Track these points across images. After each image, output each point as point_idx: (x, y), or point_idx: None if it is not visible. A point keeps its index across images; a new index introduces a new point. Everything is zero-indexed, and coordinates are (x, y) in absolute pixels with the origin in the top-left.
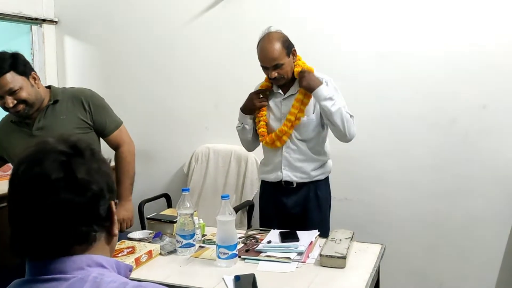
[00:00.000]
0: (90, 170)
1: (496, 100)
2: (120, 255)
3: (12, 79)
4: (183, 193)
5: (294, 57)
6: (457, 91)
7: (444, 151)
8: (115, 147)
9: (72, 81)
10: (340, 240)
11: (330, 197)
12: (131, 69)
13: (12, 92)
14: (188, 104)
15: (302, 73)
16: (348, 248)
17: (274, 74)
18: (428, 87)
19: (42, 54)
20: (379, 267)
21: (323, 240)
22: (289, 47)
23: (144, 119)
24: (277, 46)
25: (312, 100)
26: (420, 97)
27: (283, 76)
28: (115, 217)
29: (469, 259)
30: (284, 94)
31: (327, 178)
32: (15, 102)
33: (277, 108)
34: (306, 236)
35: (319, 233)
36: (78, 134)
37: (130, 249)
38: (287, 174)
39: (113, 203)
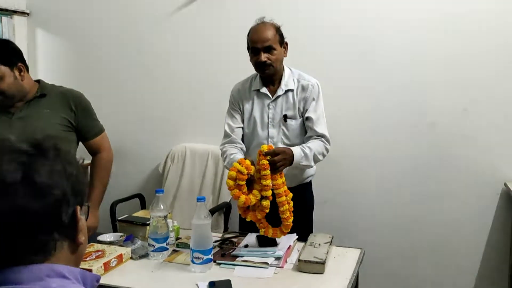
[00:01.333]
0: (52, 172)
1: (477, 104)
2: (88, 259)
3: None
4: (157, 194)
5: (285, 51)
6: (437, 94)
7: (423, 154)
8: (94, 152)
9: (43, 75)
10: (319, 244)
11: (314, 200)
12: (106, 63)
13: None
14: (166, 102)
15: (274, 166)
16: (327, 253)
17: (264, 57)
18: (408, 91)
19: None
20: (358, 272)
21: (301, 244)
22: (282, 37)
23: (119, 115)
24: (271, 30)
25: (297, 103)
26: (400, 100)
27: (272, 64)
28: (80, 224)
29: (448, 263)
30: (272, 96)
31: (310, 182)
32: None
33: (264, 113)
34: (285, 240)
35: (297, 237)
36: (58, 130)
37: (99, 253)
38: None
39: (78, 208)
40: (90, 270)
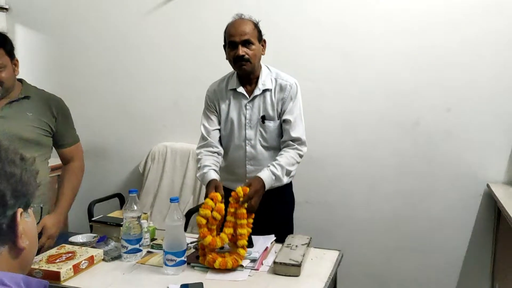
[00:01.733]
0: None
1: (461, 104)
2: (57, 260)
3: (1, 54)
4: (130, 194)
5: (264, 49)
6: (421, 92)
7: (406, 153)
8: (67, 160)
9: (23, 71)
10: (296, 246)
11: (294, 200)
12: (86, 60)
13: None
14: (146, 100)
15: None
16: (304, 255)
17: (242, 51)
18: (392, 88)
19: None
20: (336, 273)
21: (279, 245)
22: (260, 33)
23: (99, 114)
24: (250, 24)
25: (275, 104)
26: (383, 97)
27: (249, 59)
28: (21, 228)
29: (430, 262)
30: (249, 96)
31: (291, 182)
32: None
33: (241, 114)
34: (261, 242)
35: (275, 238)
36: (38, 134)
37: (70, 255)
38: None
39: (20, 211)
40: (58, 273)
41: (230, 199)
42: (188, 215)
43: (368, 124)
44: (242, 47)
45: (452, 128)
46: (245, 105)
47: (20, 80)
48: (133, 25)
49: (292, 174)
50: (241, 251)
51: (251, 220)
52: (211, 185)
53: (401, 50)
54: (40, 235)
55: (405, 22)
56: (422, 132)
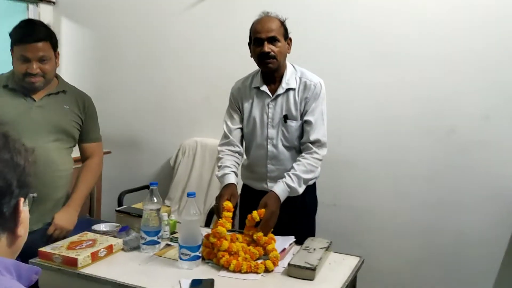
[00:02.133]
0: None
1: (500, 112)
2: (77, 247)
3: (47, 47)
4: (151, 187)
5: (289, 47)
6: (457, 99)
7: (439, 162)
8: (87, 156)
9: (66, 64)
10: (314, 249)
11: (317, 203)
12: (124, 55)
13: (42, 60)
14: (179, 95)
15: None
16: (320, 259)
17: (268, 48)
18: (427, 93)
19: None
20: (355, 281)
21: (298, 247)
22: (286, 31)
23: (134, 107)
24: (276, 21)
25: (298, 103)
26: (418, 102)
27: (275, 56)
28: (22, 216)
29: (458, 278)
30: (272, 95)
31: (314, 184)
32: (39, 71)
33: (263, 112)
34: (280, 242)
35: (295, 240)
36: (72, 127)
37: (90, 242)
38: (272, 187)
39: (22, 200)
40: (76, 260)
41: (246, 221)
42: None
43: (399, 130)
44: (268, 44)
45: (489, 138)
46: (268, 104)
47: (55, 75)
48: (168, 22)
49: (315, 175)
50: (273, 254)
51: (271, 235)
52: (227, 191)
53: (436, 54)
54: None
55: (440, 25)
56: (457, 141)
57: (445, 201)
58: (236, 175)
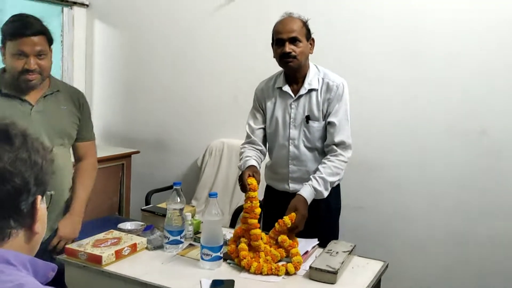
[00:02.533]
0: (15, 160)
1: None
2: (102, 245)
3: (44, 41)
4: (175, 187)
5: (312, 47)
6: (490, 99)
7: (470, 164)
8: (80, 157)
9: (99, 65)
10: (337, 253)
11: (340, 205)
12: (155, 56)
13: (39, 55)
14: (208, 96)
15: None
16: (343, 262)
17: (289, 48)
18: (458, 93)
19: (71, 36)
20: (379, 285)
21: (321, 250)
22: (309, 31)
23: (163, 107)
24: (298, 22)
25: (320, 104)
26: (448, 102)
27: (296, 56)
28: (39, 214)
29: (492, 287)
30: (295, 95)
31: (338, 186)
32: (36, 67)
33: (286, 112)
34: (303, 245)
35: (318, 242)
36: (73, 129)
37: (115, 240)
38: (294, 187)
39: (39, 198)
40: (100, 257)
41: (277, 226)
42: (239, 211)
43: (428, 131)
44: (289, 44)
45: None
46: (290, 104)
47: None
48: (197, 23)
49: (340, 177)
50: (296, 258)
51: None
52: (248, 169)
53: (467, 52)
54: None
55: (471, 22)
56: (489, 142)
57: (477, 206)
58: (258, 165)
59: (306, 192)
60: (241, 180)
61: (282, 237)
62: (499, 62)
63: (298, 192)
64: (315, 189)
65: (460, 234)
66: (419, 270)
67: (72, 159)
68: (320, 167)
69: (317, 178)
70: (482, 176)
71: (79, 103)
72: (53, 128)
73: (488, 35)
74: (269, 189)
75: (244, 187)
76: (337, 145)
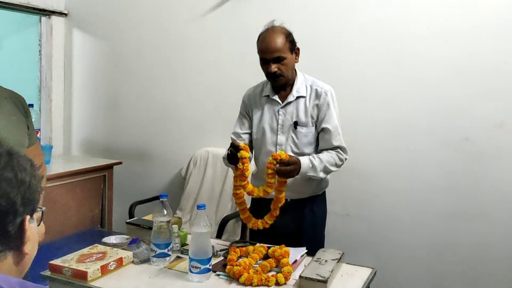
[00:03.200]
0: (0, 181)
1: None
2: (87, 260)
3: None
4: (161, 199)
5: (297, 57)
6: (472, 106)
7: (455, 172)
8: None
9: (78, 75)
10: (326, 261)
11: (326, 212)
12: (136, 66)
13: None
14: (191, 105)
15: (281, 173)
16: (332, 270)
17: (274, 68)
18: (440, 100)
19: (49, 46)
20: None
21: (310, 259)
22: (292, 43)
23: (146, 117)
24: (281, 38)
25: (309, 109)
26: (431, 110)
27: (282, 74)
28: (28, 234)
29: None
30: (282, 102)
31: (324, 193)
32: None
33: (274, 118)
34: (292, 253)
35: (306, 251)
36: (26, 139)
37: (100, 255)
38: None
39: (27, 218)
40: (86, 273)
41: (269, 158)
42: (225, 221)
43: (412, 138)
44: (273, 64)
45: (504, 145)
46: (278, 111)
47: None
48: (180, 33)
49: (325, 183)
50: (286, 269)
51: (283, 190)
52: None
53: (449, 60)
54: None
55: (454, 31)
56: (471, 148)
57: (462, 212)
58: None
59: (303, 158)
60: (231, 145)
61: (273, 248)
62: (481, 69)
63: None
64: (311, 161)
65: (446, 239)
66: (407, 277)
67: None
68: (322, 153)
69: (315, 156)
70: (466, 181)
71: (24, 109)
72: (15, 143)
73: (470, 42)
74: (255, 200)
75: (235, 147)
76: (335, 148)
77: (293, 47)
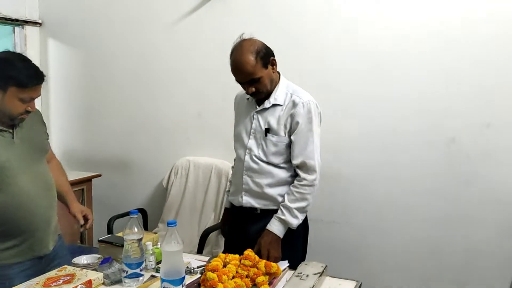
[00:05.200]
0: None
1: (501, 119)
2: (53, 284)
3: None
4: (131, 216)
5: (274, 67)
6: (456, 106)
7: (441, 174)
8: (47, 161)
9: (55, 85)
10: (307, 276)
11: (307, 224)
12: (114, 75)
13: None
14: (171, 112)
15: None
16: (314, 286)
17: (251, 89)
18: (425, 104)
19: None
20: None
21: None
22: (265, 57)
23: (124, 128)
24: (251, 58)
25: (282, 118)
26: (416, 114)
27: (261, 90)
28: None
29: None
30: (258, 106)
31: None
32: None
33: (249, 122)
34: None
35: (288, 264)
36: (46, 143)
37: (68, 278)
38: (247, 201)
39: None
40: None
41: (246, 262)
42: (207, 233)
43: (398, 143)
44: (249, 86)
45: (491, 147)
46: (253, 115)
47: None
48: (157, 40)
49: (306, 203)
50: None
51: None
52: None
53: (433, 63)
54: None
55: (436, 35)
56: (458, 151)
57: (450, 215)
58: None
59: (274, 225)
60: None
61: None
62: (464, 73)
63: (267, 227)
64: (280, 219)
65: (434, 243)
66: (396, 282)
67: None
68: (285, 195)
69: (281, 207)
70: (452, 184)
71: (41, 118)
72: (36, 149)
73: (454, 45)
74: (227, 210)
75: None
76: (298, 167)
77: (266, 62)
